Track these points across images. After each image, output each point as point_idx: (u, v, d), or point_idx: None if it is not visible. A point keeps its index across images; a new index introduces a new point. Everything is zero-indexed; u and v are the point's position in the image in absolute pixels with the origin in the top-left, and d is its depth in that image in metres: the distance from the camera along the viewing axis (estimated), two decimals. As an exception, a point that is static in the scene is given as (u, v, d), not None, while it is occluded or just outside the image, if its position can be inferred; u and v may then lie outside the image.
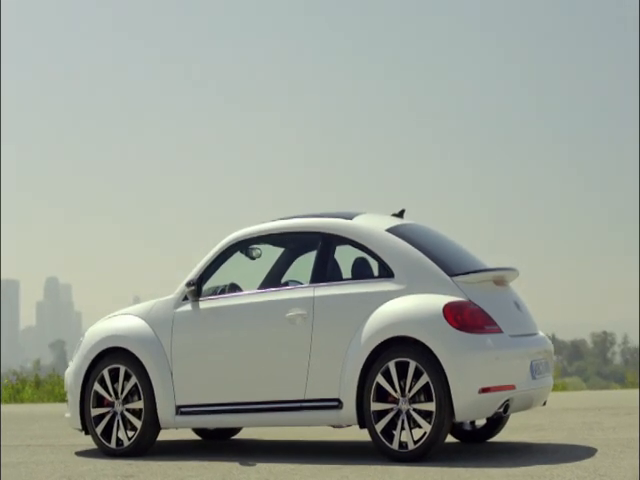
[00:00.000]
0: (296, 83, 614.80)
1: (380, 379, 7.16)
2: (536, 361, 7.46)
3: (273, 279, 8.48)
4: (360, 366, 7.24)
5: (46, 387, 18.07)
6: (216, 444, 8.82)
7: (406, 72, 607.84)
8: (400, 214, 8.20)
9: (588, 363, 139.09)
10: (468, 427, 8.33)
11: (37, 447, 8.91)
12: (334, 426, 7.67)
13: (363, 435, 9.02)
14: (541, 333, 7.91)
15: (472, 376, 6.99)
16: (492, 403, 7.07)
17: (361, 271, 7.71)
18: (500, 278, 7.61)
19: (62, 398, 17.39)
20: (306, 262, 8.59)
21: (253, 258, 8.24)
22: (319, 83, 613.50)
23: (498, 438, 8.44)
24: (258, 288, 8.27)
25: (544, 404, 7.90)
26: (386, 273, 7.47)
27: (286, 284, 8.33)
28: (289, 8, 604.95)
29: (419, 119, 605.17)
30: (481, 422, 8.29)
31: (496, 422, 8.20)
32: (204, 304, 7.92)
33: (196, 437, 9.32)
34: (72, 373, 8.31)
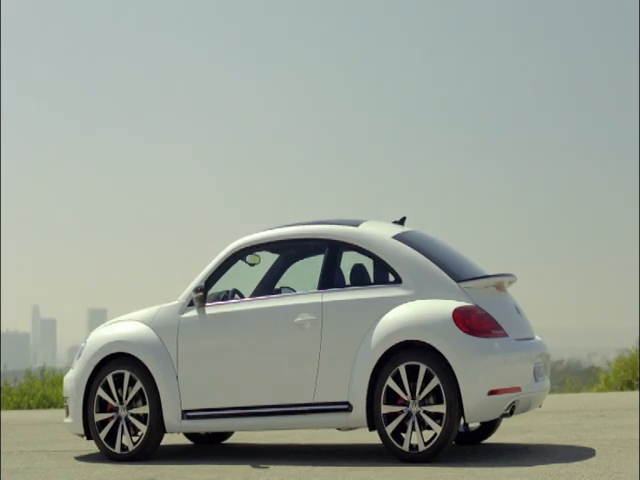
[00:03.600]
0: (295, 85, 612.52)
1: (390, 382, 7.36)
2: (537, 364, 7.72)
3: (267, 286, 8.60)
4: (370, 370, 7.43)
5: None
6: (213, 448, 8.90)
7: (405, 74, 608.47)
8: (401, 222, 8.39)
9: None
10: (461, 429, 8.55)
11: (33, 453, 8.89)
12: (340, 429, 7.83)
13: (360, 437, 9.21)
14: (538, 337, 8.17)
15: (481, 379, 7.23)
16: (500, 405, 7.32)
17: (359, 277, 7.90)
18: (501, 284, 7.85)
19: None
20: (300, 269, 8.76)
21: (252, 265, 8.38)
22: (318, 85, 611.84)
23: (490, 440, 8.67)
24: (251, 295, 8.39)
25: (540, 406, 8.16)
26: (394, 279, 7.67)
27: (279, 291, 8.48)
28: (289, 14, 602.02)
29: (416, 124, 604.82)
30: (475, 425, 8.52)
31: (490, 425, 8.43)
32: (211, 310, 8.03)
33: (187, 441, 9.38)
34: (73, 379, 8.33)
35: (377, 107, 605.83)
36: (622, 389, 22.15)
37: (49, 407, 17.51)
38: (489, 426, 8.45)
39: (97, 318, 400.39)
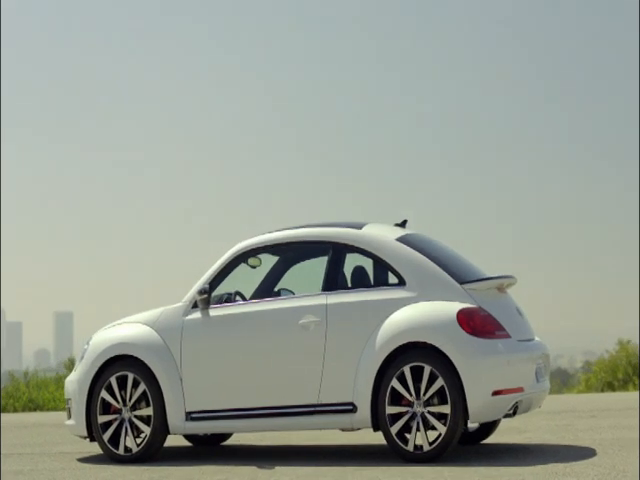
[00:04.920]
0: (294, 89, 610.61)
1: (395, 383, 7.44)
2: (538, 365, 7.82)
3: (266, 288, 8.66)
4: (375, 371, 7.51)
5: None
6: (215, 449, 8.95)
7: (403, 78, 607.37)
8: (402, 224, 8.47)
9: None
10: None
11: (33, 455, 8.89)
12: (343, 429, 7.90)
13: (359, 439, 9.29)
14: (537, 338, 8.27)
15: (485, 379, 7.33)
16: (504, 405, 7.42)
17: (360, 279, 7.98)
18: (503, 285, 7.95)
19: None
20: (300, 271, 8.83)
21: (253, 267, 8.44)
22: (317, 89, 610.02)
23: (489, 440, 8.76)
24: (251, 297, 8.44)
25: (539, 407, 8.26)
26: (397, 281, 7.75)
27: (278, 293, 8.54)
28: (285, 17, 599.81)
29: (413, 128, 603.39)
30: (474, 425, 8.60)
31: (489, 425, 8.53)
32: (215, 311, 8.08)
33: (186, 443, 9.42)
34: (76, 381, 8.36)
35: (376, 110, 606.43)
36: (603, 390, 22.38)
37: (35, 410, 17.47)
38: (488, 426, 8.54)
39: (63, 321, 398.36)
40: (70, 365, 21.22)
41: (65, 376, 21.57)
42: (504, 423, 10.23)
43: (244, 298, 8.33)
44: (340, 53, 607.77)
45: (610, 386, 22.75)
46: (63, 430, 11.42)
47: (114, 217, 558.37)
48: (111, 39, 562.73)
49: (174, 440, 9.51)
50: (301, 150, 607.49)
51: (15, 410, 17.36)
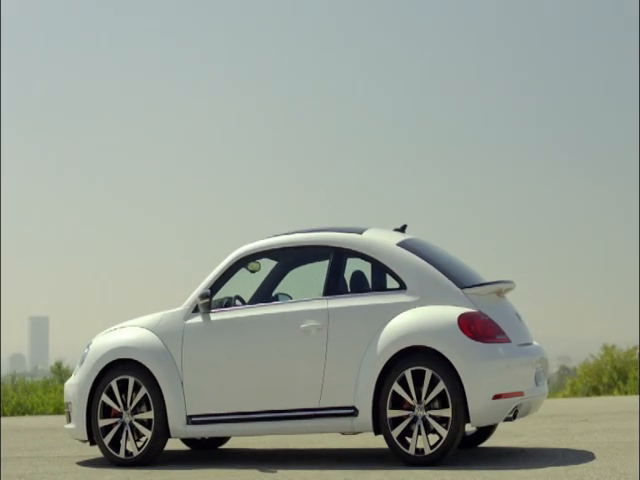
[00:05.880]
0: (293, 94, 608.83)
1: (396, 387, 7.49)
2: (537, 369, 7.90)
3: (265, 293, 8.70)
4: (377, 375, 7.56)
5: None
6: (214, 453, 8.98)
7: (404, 82, 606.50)
8: (402, 229, 8.54)
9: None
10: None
11: (32, 459, 8.90)
12: (344, 433, 7.95)
13: (358, 442, 9.34)
14: (535, 342, 8.35)
15: (486, 383, 7.39)
16: (504, 409, 7.49)
17: (358, 284, 8.04)
18: (502, 290, 8.02)
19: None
20: (298, 276, 8.88)
21: (252, 272, 8.48)
22: (315, 95, 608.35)
23: (486, 444, 8.83)
24: (249, 301, 8.48)
25: (536, 410, 8.33)
26: (399, 286, 7.81)
27: (276, 298, 8.59)
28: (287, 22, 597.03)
29: (411, 133, 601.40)
30: (471, 428, 8.67)
31: (486, 429, 8.59)
32: (216, 316, 8.12)
33: (183, 447, 9.44)
34: (76, 384, 8.37)
35: (375, 113, 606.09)
36: (588, 395, 22.51)
37: (24, 414, 17.44)
38: (486, 430, 8.61)
39: (39, 325, 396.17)
40: (57, 369, 21.20)
41: (53, 380, 21.59)
42: (499, 426, 10.31)
43: (244, 302, 8.38)
44: (340, 54, 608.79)
45: (595, 390, 22.90)
46: (57, 434, 11.44)
47: (90, 222, 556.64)
48: (111, 40, 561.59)
49: (174, 444, 9.54)
50: (300, 155, 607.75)
51: (4, 414, 17.32)
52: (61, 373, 22.07)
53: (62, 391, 18.94)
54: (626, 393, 20.98)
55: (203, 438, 9.22)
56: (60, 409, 17.68)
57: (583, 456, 7.73)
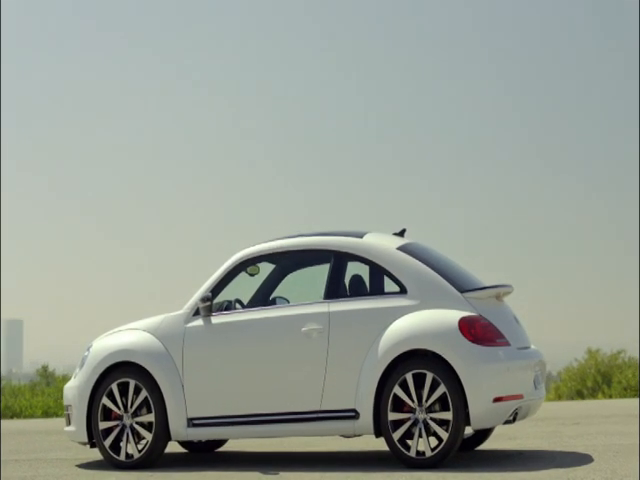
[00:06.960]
0: (293, 97, 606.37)
1: (397, 390, 7.56)
2: (536, 372, 7.98)
3: (262, 296, 8.75)
4: (378, 378, 7.62)
5: None
6: (214, 456, 9.01)
7: (404, 84, 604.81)
8: (401, 233, 8.60)
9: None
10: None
11: (30, 461, 8.91)
12: (345, 436, 8.01)
13: (359, 445, 9.39)
14: (533, 346, 8.43)
15: (486, 386, 7.47)
16: (504, 411, 7.56)
17: (357, 288, 8.10)
18: (501, 294, 8.11)
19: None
20: (297, 280, 8.93)
21: (252, 275, 8.53)
22: (315, 99, 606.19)
23: (483, 447, 8.90)
24: (247, 304, 8.53)
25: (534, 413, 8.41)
26: (399, 289, 7.88)
27: (274, 302, 8.63)
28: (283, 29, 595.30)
29: (411, 136, 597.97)
30: (468, 431, 8.73)
31: (483, 432, 8.67)
32: (217, 319, 8.16)
33: (181, 449, 9.47)
34: (76, 387, 8.39)
35: (375, 117, 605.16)
36: (573, 398, 22.63)
37: (12, 417, 17.40)
38: (483, 433, 8.68)
39: (13, 329, 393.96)
40: (44, 372, 21.16)
41: (40, 383, 21.55)
42: (494, 429, 10.39)
43: (244, 306, 8.42)
44: (340, 56, 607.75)
45: (579, 394, 23.03)
46: (51, 437, 11.44)
47: (67, 224, 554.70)
48: (112, 40, 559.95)
49: (174, 447, 9.57)
50: (301, 159, 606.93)
51: None
52: (47, 376, 22.07)
53: (49, 394, 18.95)
54: (610, 397, 21.10)
55: (200, 441, 9.26)
56: (48, 412, 17.67)
57: (581, 458, 7.81)
